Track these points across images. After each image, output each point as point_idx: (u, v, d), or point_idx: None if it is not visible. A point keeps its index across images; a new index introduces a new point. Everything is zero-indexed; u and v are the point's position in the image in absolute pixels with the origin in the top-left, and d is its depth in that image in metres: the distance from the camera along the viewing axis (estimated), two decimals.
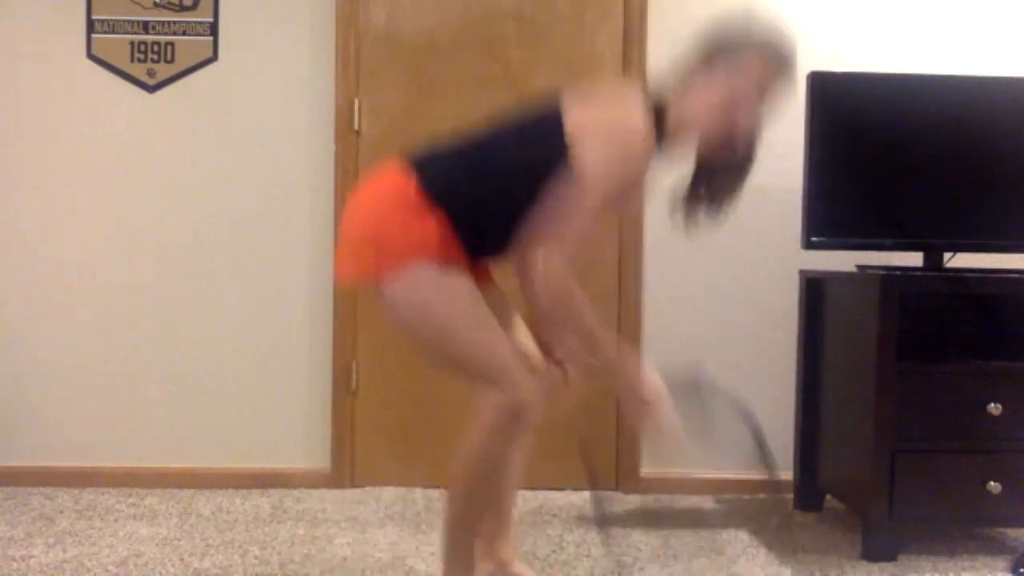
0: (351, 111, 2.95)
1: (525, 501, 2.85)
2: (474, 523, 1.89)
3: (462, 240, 1.77)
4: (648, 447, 1.78)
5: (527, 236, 1.74)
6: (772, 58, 1.81)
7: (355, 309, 2.97)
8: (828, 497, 2.81)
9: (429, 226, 1.73)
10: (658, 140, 1.77)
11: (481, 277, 1.88)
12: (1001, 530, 2.63)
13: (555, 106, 1.77)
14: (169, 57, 2.97)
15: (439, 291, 1.74)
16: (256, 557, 2.32)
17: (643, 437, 1.79)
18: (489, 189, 1.77)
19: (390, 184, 1.79)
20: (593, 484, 1.85)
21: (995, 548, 2.49)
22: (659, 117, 1.77)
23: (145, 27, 2.96)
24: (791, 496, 2.87)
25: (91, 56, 2.96)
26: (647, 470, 3.00)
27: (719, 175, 1.88)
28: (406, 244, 1.73)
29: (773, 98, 1.82)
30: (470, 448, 1.79)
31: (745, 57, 1.79)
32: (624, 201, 1.82)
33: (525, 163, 1.75)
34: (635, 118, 1.71)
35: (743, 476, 3.01)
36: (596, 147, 1.69)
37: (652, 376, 1.82)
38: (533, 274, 1.71)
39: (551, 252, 1.69)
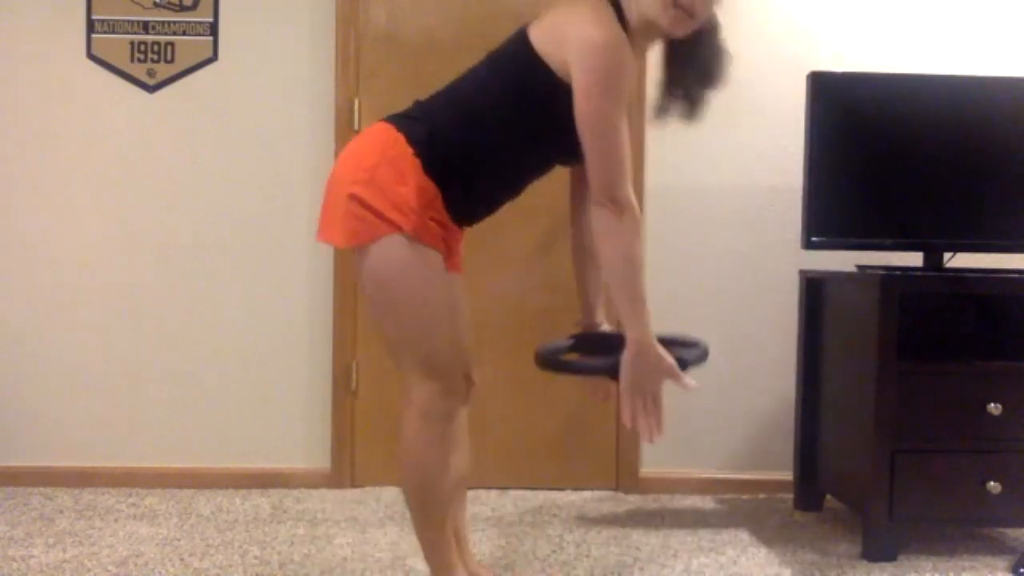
0: (351, 111, 2.95)
1: (525, 500, 2.86)
2: (441, 518, 1.85)
3: (448, 204, 1.77)
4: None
5: (582, 202, 1.80)
6: None
7: (355, 309, 2.97)
8: (828, 497, 2.81)
9: (416, 190, 1.72)
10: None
11: (453, 250, 1.87)
12: (1001, 530, 2.63)
13: (524, 46, 1.76)
14: (169, 57, 2.97)
15: (409, 268, 1.74)
16: (256, 557, 2.32)
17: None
18: (478, 150, 1.77)
19: (381, 145, 1.76)
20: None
21: (995, 548, 2.49)
22: (621, 17, 1.75)
23: (145, 27, 2.96)
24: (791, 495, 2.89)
25: (91, 56, 2.96)
26: (647, 470, 3.01)
27: (690, 70, 1.86)
28: (392, 211, 1.71)
29: None
30: (408, 443, 1.79)
31: None
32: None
33: (510, 114, 1.76)
34: (609, 32, 1.70)
35: (743, 476, 3.01)
36: (589, 83, 1.68)
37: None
38: (604, 228, 1.72)
39: (620, 197, 1.71)
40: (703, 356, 1.86)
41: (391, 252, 1.73)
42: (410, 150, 1.73)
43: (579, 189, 1.93)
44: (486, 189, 1.84)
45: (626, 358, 1.73)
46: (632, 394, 1.74)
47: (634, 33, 1.77)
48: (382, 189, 1.71)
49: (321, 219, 1.82)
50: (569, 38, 1.71)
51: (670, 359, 1.74)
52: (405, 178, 1.72)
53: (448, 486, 1.84)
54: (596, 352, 1.81)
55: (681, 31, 1.76)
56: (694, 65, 1.84)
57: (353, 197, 1.72)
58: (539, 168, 1.88)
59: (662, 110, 1.91)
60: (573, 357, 1.93)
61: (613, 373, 1.75)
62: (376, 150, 1.76)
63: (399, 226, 1.71)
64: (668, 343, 1.87)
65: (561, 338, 1.96)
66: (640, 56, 1.84)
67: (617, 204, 1.70)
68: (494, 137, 1.78)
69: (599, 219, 1.72)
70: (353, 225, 1.73)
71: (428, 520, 1.83)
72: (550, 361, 1.84)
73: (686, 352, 1.81)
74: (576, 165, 1.89)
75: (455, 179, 1.76)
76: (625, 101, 1.71)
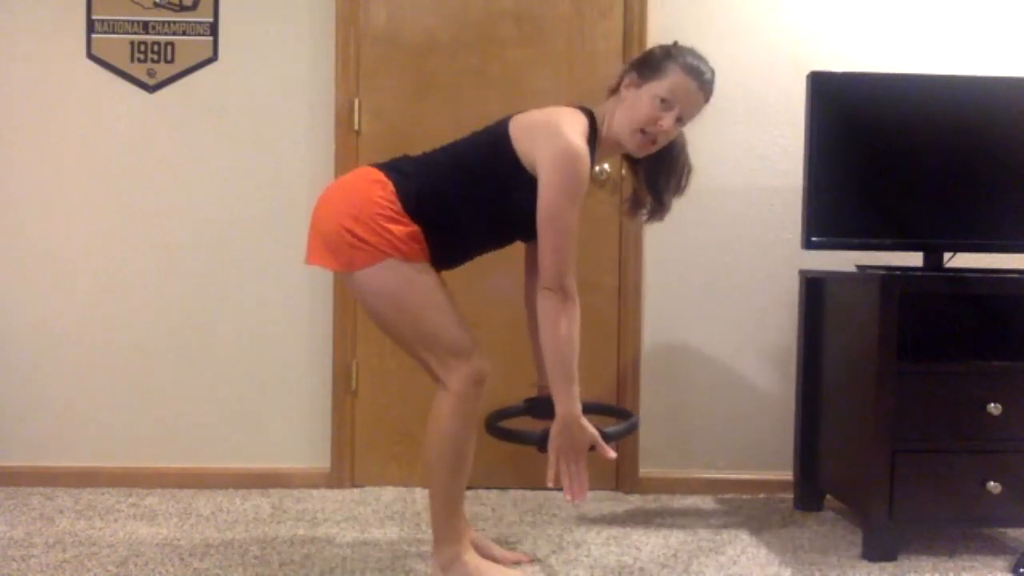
0: (351, 111, 2.95)
1: (525, 500, 2.86)
2: (460, 496, 2.07)
3: (430, 248, 2.00)
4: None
5: (534, 282, 2.03)
6: (692, 73, 2.02)
7: (355, 309, 2.97)
8: (828, 497, 2.81)
9: (404, 231, 1.95)
10: (594, 149, 2.03)
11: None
12: (1001, 530, 2.63)
13: (504, 133, 2.01)
14: (169, 57, 2.97)
15: (411, 282, 1.97)
16: (256, 557, 2.32)
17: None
18: (456, 216, 2.01)
19: (369, 187, 1.98)
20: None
21: (995, 548, 2.49)
22: (593, 128, 2.04)
23: (145, 27, 2.96)
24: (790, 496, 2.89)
25: (91, 56, 2.96)
26: (647, 470, 3.01)
27: (658, 178, 2.14)
28: (383, 243, 1.94)
29: (692, 109, 2.05)
30: (446, 420, 2.00)
31: (670, 72, 2.01)
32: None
33: (485, 195, 2.01)
34: (577, 144, 1.93)
35: (743, 476, 3.01)
36: (552, 184, 1.92)
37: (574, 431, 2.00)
38: (548, 311, 1.95)
39: (567, 286, 1.94)
40: (629, 429, 2.17)
41: (390, 271, 1.96)
42: (399, 199, 1.96)
43: (533, 266, 2.10)
44: (458, 247, 2.09)
45: (554, 430, 1.99)
46: (558, 461, 2.00)
47: (603, 143, 2.08)
48: (371, 226, 1.94)
49: (310, 245, 2.04)
50: (542, 139, 1.95)
51: (593, 431, 1.99)
52: (394, 219, 1.95)
53: (472, 458, 2.06)
54: (548, 415, 2.01)
55: (643, 153, 2.08)
56: (670, 179, 2.14)
57: (348, 230, 1.94)
58: (504, 239, 2.14)
59: (635, 210, 2.20)
60: (528, 420, 2.20)
61: (542, 444, 2.01)
62: (367, 190, 1.97)
63: (389, 254, 1.94)
64: (604, 412, 2.23)
65: (516, 402, 2.26)
66: (605, 160, 2.14)
67: (563, 291, 1.94)
68: (467, 208, 2.01)
69: (545, 303, 1.95)
70: (349, 253, 1.95)
71: (456, 487, 2.05)
72: (489, 426, 2.14)
73: (613, 425, 2.10)
74: (531, 242, 2.09)
75: (434, 232, 1.99)
76: (580, 203, 1.96)
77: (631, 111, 2.03)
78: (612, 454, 2.01)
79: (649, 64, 2.04)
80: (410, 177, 2.00)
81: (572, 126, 1.97)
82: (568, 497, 2.01)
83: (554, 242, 1.93)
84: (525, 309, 2.24)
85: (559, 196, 1.92)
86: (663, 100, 2.00)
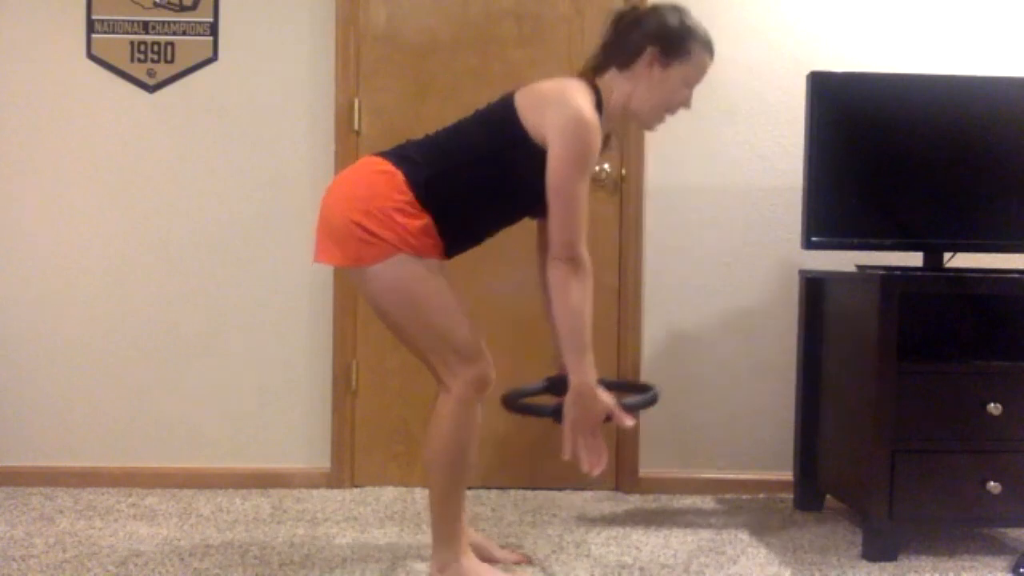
0: (351, 111, 2.95)
1: (525, 500, 2.86)
2: (460, 499, 2.05)
3: (442, 241, 1.96)
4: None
5: (546, 251, 1.97)
6: (709, 49, 2.03)
7: (355, 309, 2.97)
8: (828, 497, 2.81)
9: (415, 225, 1.91)
10: (600, 117, 1.98)
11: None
12: (1001, 530, 2.63)
13: (509, 108, 1.98)
14: (169, 57, 2.97)
15: (422, 280, 1.94)
16: (256, 557, 2.32)
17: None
18: (466, 198, 1.97)
19: (377, 179, 1.94)
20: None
21: (995, 548, 2.49)
22: (598, 101, 1.99)
23: (145, 27, 2.96)
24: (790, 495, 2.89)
25: (91, 56, 2.96)
26: (647, 470, 3.01)
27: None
28: (393, 237, 1.90)
29: (698, 82, 2.06)
30: (446, 423, 1.98)
31: (694, 53, 2.00)
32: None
33: (495, 172, 1.97)
34: (588, 112, 1.90)
35: (743, 476, 3.01)
36: (562, 154, 1.89)
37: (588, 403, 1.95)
38: (559, 281, 1.92)
39: (578, 256, 1.91)
40: (648, 401, 2.07)
41: (402, 268, 1.92)
42: (409, 188, 1.92)
43: (545, 244, 2.06)
44: (471, 230, 2.05)
45: (568, 401, 1.94)
46: (573, 433, 1.94)
47: (609, 117, 2.03)
48: (381, 220, 1.90)
49: (318, 241, 2.00)
50: (551, 109, 1.91)
51: (608, 400, 1.94)
52: (405, 210, 1.91)
53: (474, 461, 2.05)
54: (567, 392, 1.97)
55: (655, 128, 2.09)
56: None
57: (357, 224, 1.90)
58: (514, 215, 2.09)
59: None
60: (547, 398, 2.13)
61: (557, 417, 1.96)
62: (375, 181, 1.94)
63: (401, 249, 1.90)
64: (624, 389, 2.15)
65: (538, 380, 2.22)
66: (607, 132, 2.06)
67: (573, 261, 1.90)
68: (477, 188, 1.97)
69: (556, 273, 1.91)
70: (357, 248, 1.91)
71: (455, 490, 2.03)
72: (507, 401, 2.08)
73: (631, 397, 2.03)
74: (540, 219, 2.07)
75: (446, 218, 1.95)
76: (590, 173, 1.93)
77: (659, 91, 2.01)
78: (630, 422, 1.95)
79: (673, 43, 1.99)
80: (418, 165, 1.95)
81: (582, 96, 1.93)
82: (585, 468, 1.94)
83: (564, 212, 1.90)
84: (540, 289, 2.18)
85: (568, 166, 1.89)
86: (690, 83, 2.02)
